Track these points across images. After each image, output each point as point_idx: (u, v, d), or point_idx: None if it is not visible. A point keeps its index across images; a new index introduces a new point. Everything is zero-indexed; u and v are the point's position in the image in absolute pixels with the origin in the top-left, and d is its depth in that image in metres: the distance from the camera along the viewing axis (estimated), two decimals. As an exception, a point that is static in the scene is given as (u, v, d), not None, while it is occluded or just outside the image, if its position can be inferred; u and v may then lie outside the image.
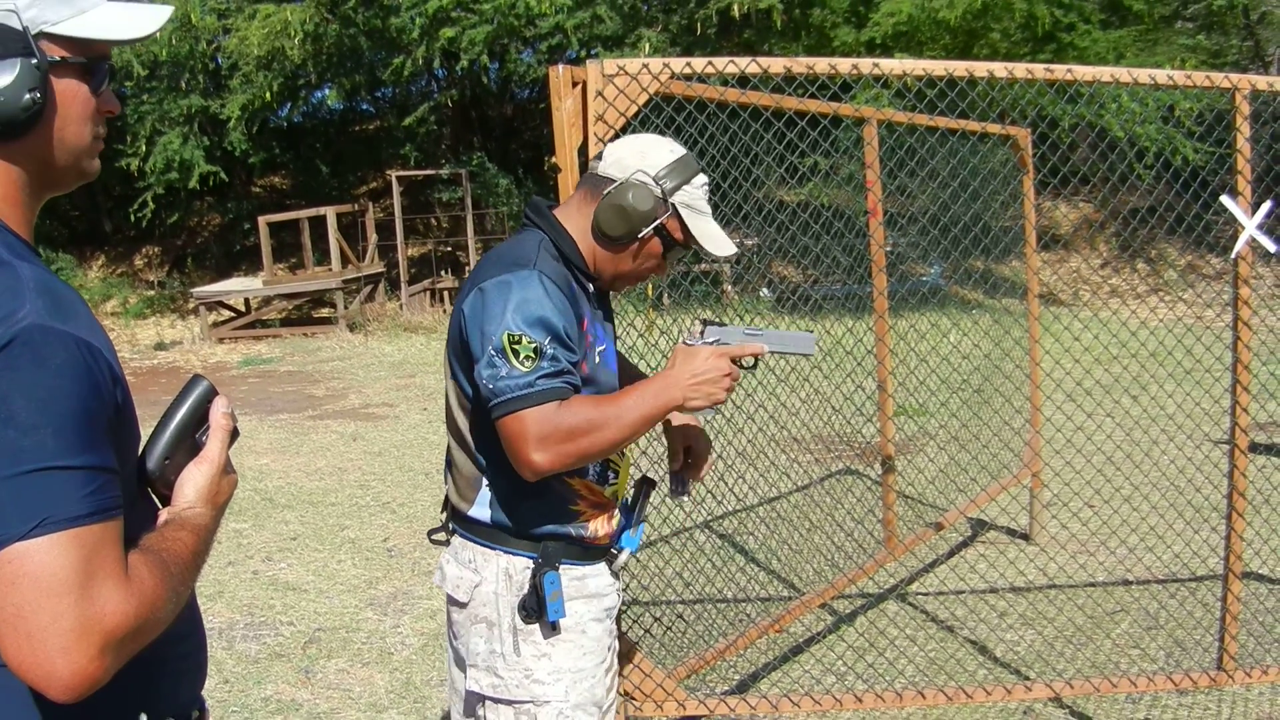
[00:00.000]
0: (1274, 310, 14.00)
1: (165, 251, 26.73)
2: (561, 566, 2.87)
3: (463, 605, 2.91)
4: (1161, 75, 4.29)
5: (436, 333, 19.46)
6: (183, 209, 25.22)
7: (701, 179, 2.90)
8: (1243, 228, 4.32)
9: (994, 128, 6.89)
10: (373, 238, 22.40)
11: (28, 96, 1.66)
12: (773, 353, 2.97)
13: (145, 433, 1.81)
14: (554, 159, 3.80)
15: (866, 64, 4.14)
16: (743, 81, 4.40)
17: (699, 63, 3.99)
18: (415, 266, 23.37)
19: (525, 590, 2.85)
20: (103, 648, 1.48)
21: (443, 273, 22.84)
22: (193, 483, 1.82)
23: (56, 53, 1.71)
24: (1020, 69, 4.20)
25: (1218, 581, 6.51)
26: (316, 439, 11.89)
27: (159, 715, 1.78)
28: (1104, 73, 4.29)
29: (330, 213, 20.99)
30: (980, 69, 4.20)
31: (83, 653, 1.46)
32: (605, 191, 2.84)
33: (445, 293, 22.14)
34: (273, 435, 12.05)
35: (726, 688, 5.51)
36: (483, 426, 2.80)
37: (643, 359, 4.85)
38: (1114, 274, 22.08)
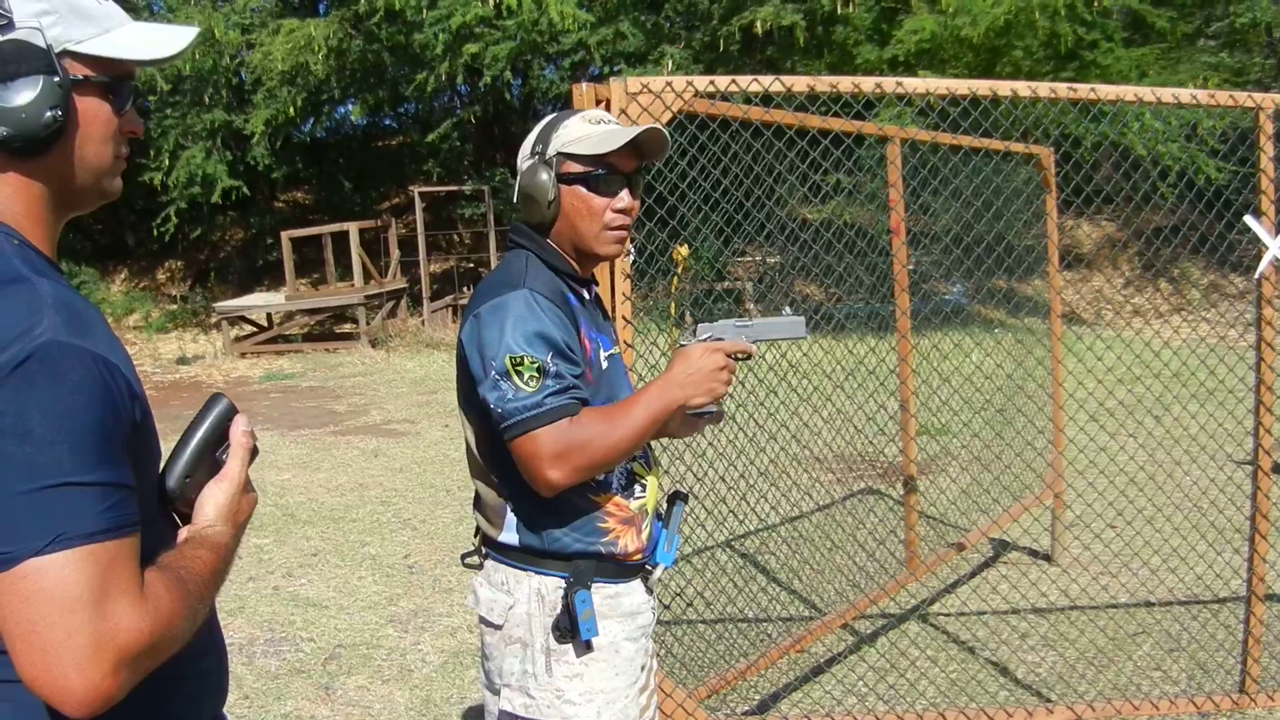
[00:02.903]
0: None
1: (188, 266, 26.81)
2: (594, 585, 2.86)
3: (497, 627, 2.90)
4: (1185, 94, 4.29)
5: (458, 349, 19.45)
6: (206, 223, 25.34)
7: (578, 115, 2.91)
8: (1266, 248, 4.30)
9: (1018, 147, 6.88)
10: (395, 253, 22.44)
11: (49, 114, 1.65)
12: (765, 340, 2.98)
13: (166, 449, 1.80)
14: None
15: (890, 83, 4.14)
16: (765, 100, 4.40)
17: (723, 81, 3.99)
18: (438, 283, 23.39)
19: (558, 610, 2.84)
20: (116, 664, 1.48)
21: (465, 289, 22.85)
22: (213, 501, 1.81)
23: (80, 71, 1.71)
24: (1044, 88, 4.19)
25: (1240, 603, 6.48)
26: (338, 455, 11.90)
27: None
28: (1128, 92, 4.29)
29: (353, 228, 21.04)
30: (1004, 88, 4.20)
31: (97, 669, 1.46)
32: (515, 199, 2.90)
33: (467, 309, 22.11)
34: (294, 451, 12.06)
35: (747, 708, 5.50)
36: (500, 453, 2.79)
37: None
38: (1136, 293, 22.01)
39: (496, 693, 2.97)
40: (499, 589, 2.91)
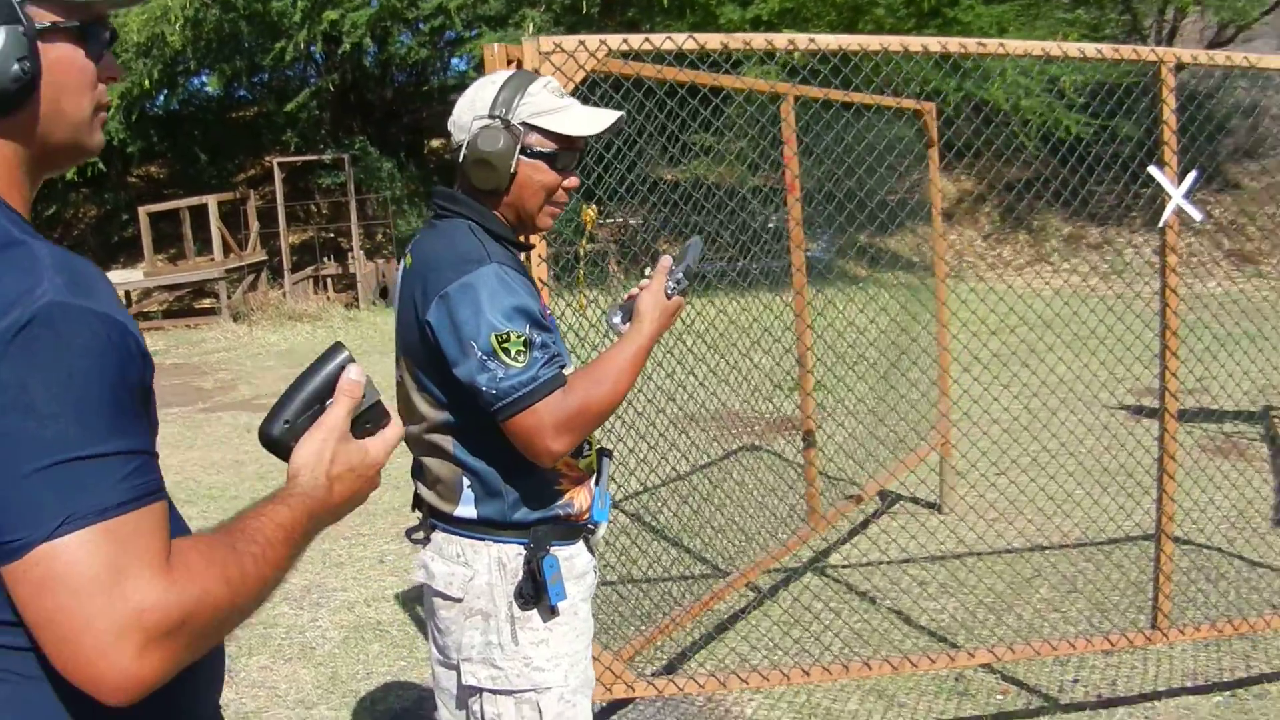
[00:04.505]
0: (1150, 283, 14.27)
1: (41, 244, 26.11)
2: (552, 549, 2.84)
3: (456, 600, 2.86)
4: (1090, 49, 4.35)
5: (321, 320, 19.25)
6: (59, 201, 24.71)
7: (539, 83, 2.85)
8: (1169, 197, 4.38)
9: (909, 102, 6.94)
10: (254, 226, 22.05)
11: (16, 67, 1.52)
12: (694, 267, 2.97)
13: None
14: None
15: (803, 39, 4.15)
16: (679, 58, 4.38)
17: (635, 39, 3.97)
18: (298, 254, 23.05)
19: (519, 577, 2.82)
20: (144, 645, 1.38)
21: (326, 259, 22.58)
22: (304, 450, 1.72)
23: (45, 18, 1.58)
24: (954, 43, 4.23)
25: (1131, 544, 6.68)
26: (210, 432, 11.69)
27: None
28: (1034, 46, 4.36)
29: (211, 201, 20.63)
30: (915, 44, 4.24)
31: (123, 653, 1.37)
32: (461, 158, 2.82)
33: (329, 280, 21.89)
34: (165, 430, 11.53)
35: (655, 669, 5.51)
36: (463, 430, 2.78)
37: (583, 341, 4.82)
38: (997, 245, 22.40)
39: (453, 667, 2.94)
40: (455, 561, 2.87)
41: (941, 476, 7.76)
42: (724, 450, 8.87)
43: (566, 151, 2.83)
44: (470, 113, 2.83)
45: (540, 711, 2.85)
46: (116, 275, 21.36)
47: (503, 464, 2.78)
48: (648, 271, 2.96)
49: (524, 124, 2.79)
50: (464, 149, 2.81)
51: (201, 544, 1.51)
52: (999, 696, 5.12)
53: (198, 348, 17.79)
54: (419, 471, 2.96)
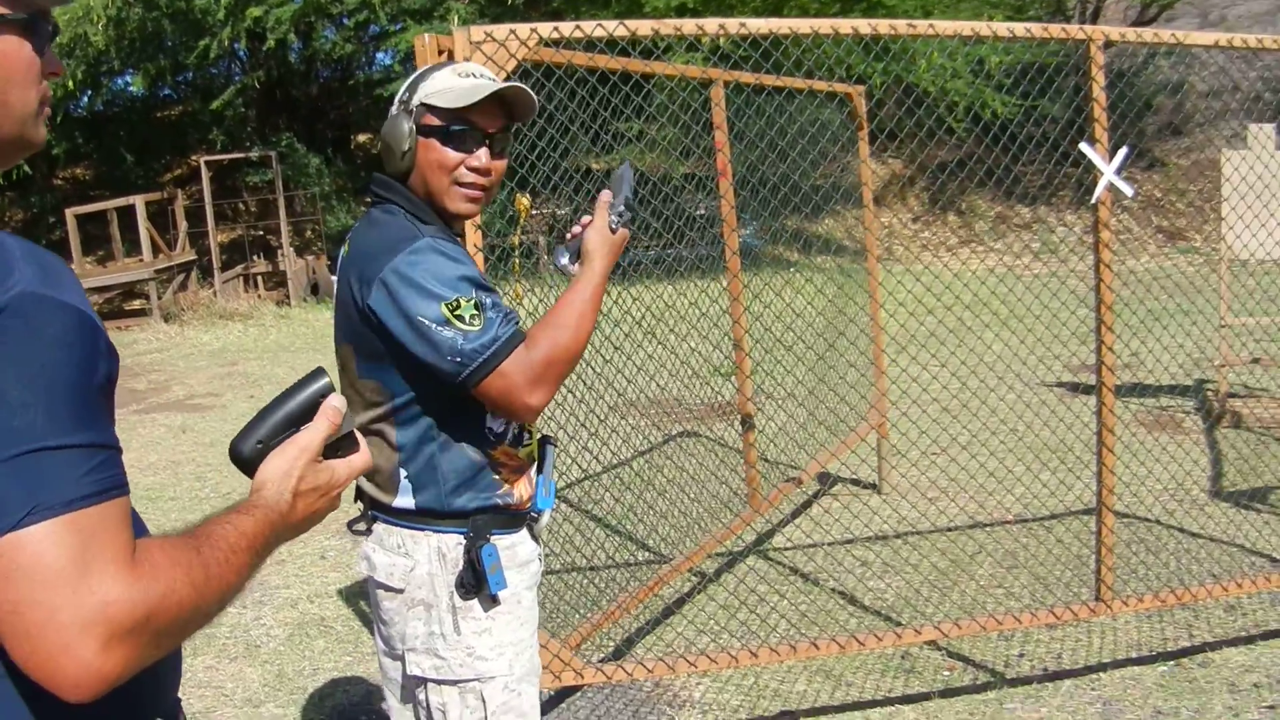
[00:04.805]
0: (1083, 259, 14.41)
1: (-36, 249, 25.80)
2: (492, 538, 2.83)
3: (397, 591, 2.85)
4: (1020, 29, 4.38)
5: (253, 319, 19.12)
6: (-20, 205, 24.45)
7: (450, 67, 2.88)
8: (1101, 173, 4.42)
9: (840, 86, 6.97)
10: (183, 225, 21.87)
11: None
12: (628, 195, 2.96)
13: None
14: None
15: (734, 24, 4.15)
16: (610, 45, 4.38)
17: (566, 27, 3.96)
18: (227, 253, 22.90)
19: (460, 567, 2.81)
20: (107, 640, 1.36)
21: (255, 257, 22.43)
22: (272, 464, 1.71)
23: None
24: (884, 25, 4.25)
25: (1071, 519, 6.75)
26: (144, 433, 11.58)
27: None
28: (964, 27, 4.38)
29: (139, 201, 20.41)
30: (845, 26, 4.25)
31: (86, 647, 1.35)
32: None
33: (259, 278, 21.76)
34: (99, 431, 11.67)
35: (602, 656, 5.51)
36: (402, 418, 2.77)
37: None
38: (925, 228, 22.54)
39: (398, 658, 2.93)
40: (395, 552, 2.86)
41: (880, 457, 7.81)
42: (664, 435, 8.89)
43: (461, 128, 2.80)
44: (392, 105, 2.87)
45: (484, 701, 2.85)
46: (44, 278, 21.11)
47: (440, 453, 2.78)
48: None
49: (420, 105, 2.81)
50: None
51: (166, 544, 1.50)
52: (945, 673, 5.16)
53: (129, 349, 17.60)
54: None
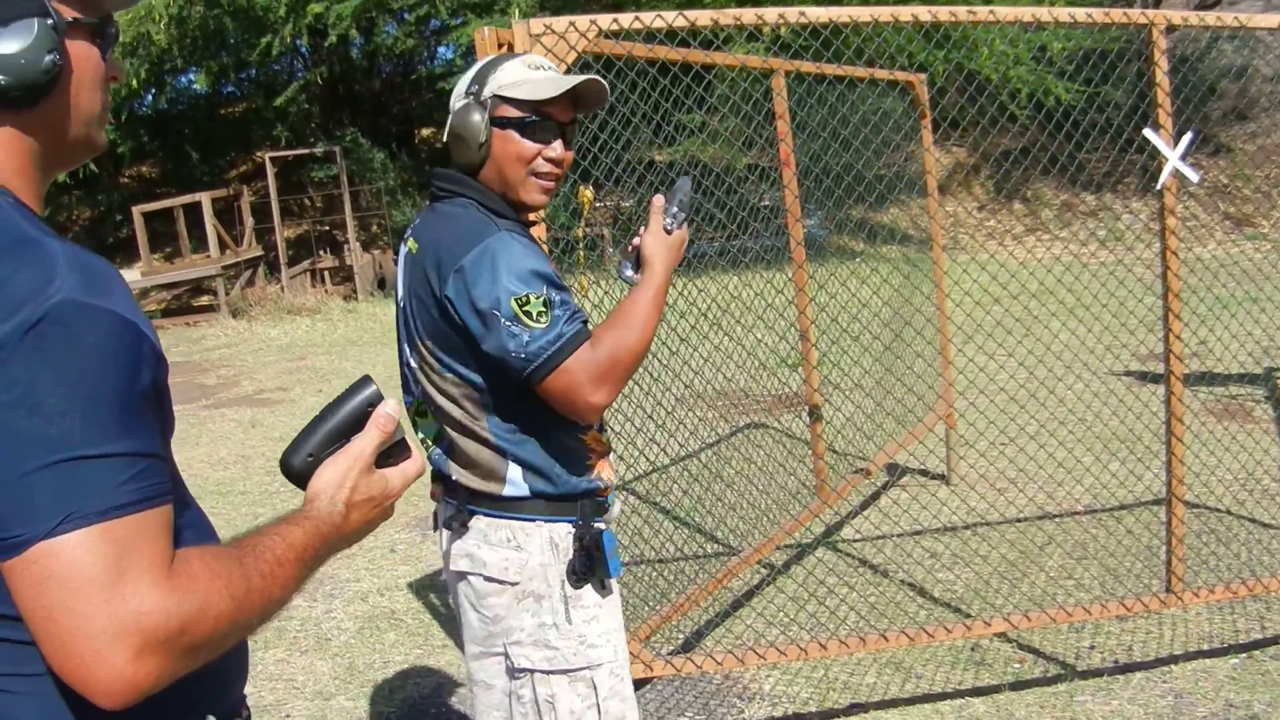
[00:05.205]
0: (1149, 247, 14.26)
1: (35, 249, 26.10)
2: (595, 524, 2.88)
3: (510, 585, 2.84)
4: (1081, 14, 4.33)
5: (320, 314, 19.23)
6: (51, 204, 24.65)
7: (517, 59, 2.90)
8: (1166, 159, 4.37)
9: (901, 75, 6.93)
10: (249, 221, 22.03)
11: (48, 59, 1.54)
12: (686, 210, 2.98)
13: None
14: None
15: (793, 13, 4.13)
16: (670, 36, 4.36)
17: (626, 18, 3.95)
18: (293, 248, 23.05)
19: (570, 555, 2.84)
20: (140, 650, 1.36)
21: (322, 252, 22.58)
22: (324, 476, 1.71)
23: (69, 13, 1.60)
24: (944, 12, 4.22)
25: (1141, 509, 6.67)
26: (215, 428, 11.69)
27: (221, 716, 1.70)
28: (1025, 13, 4.34)
29: (205, 198, 20.58)
30: (905, 13, 4.21)
31: (119, 656, 1.35)
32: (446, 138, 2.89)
33: (325, 273, 21.90)
34: (169, 428, 11.76)
35: (671, 648, 5.51)
36: (501, 405, 2.78)
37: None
38: (991, 216, 22.37)
39: (496, 655, 2.93)
40: (505, 546, 2.85)
41: (948, 447, 7.76)
42: (731, 427, 8.87)
43: (538, 120, 2.83)
44: (455, 97, 2.89)
45: (595, 688, 2.88)
46: (113, 276, 21.30)
47: (539, 438, 2.80)
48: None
49: (494, 96, 2.82)
50: (447, 129, 2.88)
51: (208, 555, 1.50)
52: (1016, 665, 5.12)
53: (198, 345, 17.77)
54: (450, 455, 2.92)
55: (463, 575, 2.92)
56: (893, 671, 5.14)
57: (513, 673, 2.90)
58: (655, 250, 2.87)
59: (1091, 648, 5.22)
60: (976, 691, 4.89)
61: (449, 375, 2.80)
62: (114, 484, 1.39)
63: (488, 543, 2.87)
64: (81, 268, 1.46)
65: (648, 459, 6.25)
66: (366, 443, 1.74)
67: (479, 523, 2.89)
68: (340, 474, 1.72)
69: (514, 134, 2.82)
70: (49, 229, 1.56)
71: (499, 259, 2.63)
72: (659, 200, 2.92)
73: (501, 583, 2.86)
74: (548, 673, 2.85)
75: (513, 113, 2.82)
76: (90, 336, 1.41)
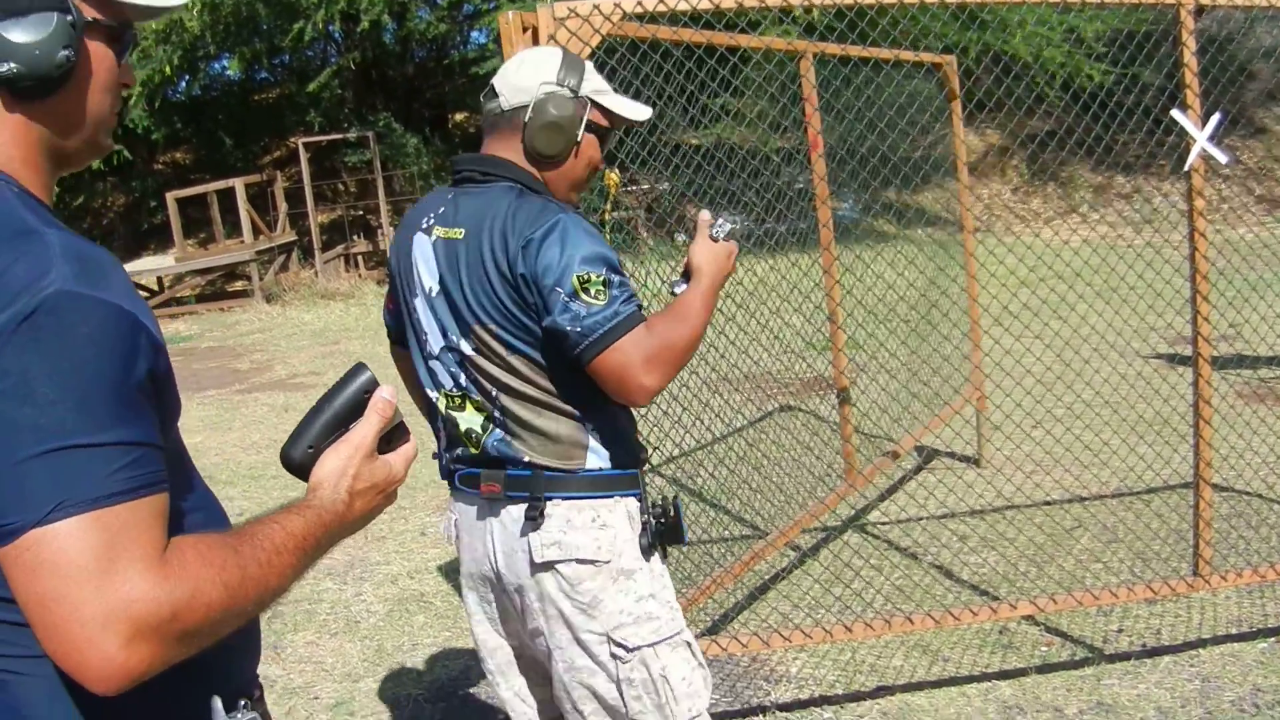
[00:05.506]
0: (1181, 230, 14.14)
1: (71, 235, 26.24)
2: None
3: (604, 564, 2.84)
4: (1108, -5, 4.31)
5: (354, 298, 19.29)
6: (86, 191, 24.83)
7: (590, 68, 2.94)
8: (1194, 140, 4.35)
9: (927, 56, 6.90)
10: (282, 206, 22.12)
11: (62, 53, 1.57)
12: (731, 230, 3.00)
13: None
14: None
15: (819, -5, 4.13)
16: (694, 19, 4.36)
17: (650, 1, 3.95)
18: (327, 233, 23.11)
19: (639, 528, 2.91)
20: (131, 636, 1.38)
21: (355, 237, 22.65)
22: (325, 465, 1.72)
23: (90, 13, 1.63)
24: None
25: (1169, 492, 6.64)
26: (248, 413, 11.76)
27: (228, 695, 1.71)
28: (1052, -7, 4.30)
29: (239, 184, 20.68)
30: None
31: (109, 642, 1.37)
32: (525, 120, 2.86)
33: (359, 258, 21.96)
34: (202, 412, 11.84)
35: (699, 630, 5.51)
36: (569, 382, 2.81)
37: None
38: (1026, 199, 22.27)
39: (599, 635, 2.88)
40: (592, 526, 2.86)
41: (978, 430, 7.75)
42: (759, 410, 8.87)
43: (610, 134, 2.95)
44: (536, 77, 2.87)
45: (689, 645, 2.95)
46: (148, 262, 21.49)
47: (612, 411, 2.88)
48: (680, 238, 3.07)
49: (590, 99, 2.88)
50: (529, 111, 2.85)
51: (202, 544, 1.51)
52: (1043, 648, 5.11)
53: (232, 330, 17.86)
54: (518, 438, 2.88)
55: (549, 565, 2.87)
56: (920, 654, 5.14)
57: (619, 657, 2.87)
58: (704, 257, 2.90)
59: (1119, 631, 5.21)
60: (1003, 674, 4.89)
61: (518, 354, 2.81)
62: (106, 473, 1.41)
63: (572, 526, 2.86)
64: (77, 258, 1.49)
65: (674, 442, 6.26)
66: (367, 429, 1.76)
67: (558, 509, 2.87)
68: (342, 463, 1.73)
69: (596, 140, 2.92)
70: (51, 219, 1.59)
71: (569, 237, 2.68)
72: (705, 215, 2.96)
73: (595, 563, 2.85)
74: (655, 645, 2.86)
75: (603, 121, 2.92)
76: (84, 327, 1.43)
